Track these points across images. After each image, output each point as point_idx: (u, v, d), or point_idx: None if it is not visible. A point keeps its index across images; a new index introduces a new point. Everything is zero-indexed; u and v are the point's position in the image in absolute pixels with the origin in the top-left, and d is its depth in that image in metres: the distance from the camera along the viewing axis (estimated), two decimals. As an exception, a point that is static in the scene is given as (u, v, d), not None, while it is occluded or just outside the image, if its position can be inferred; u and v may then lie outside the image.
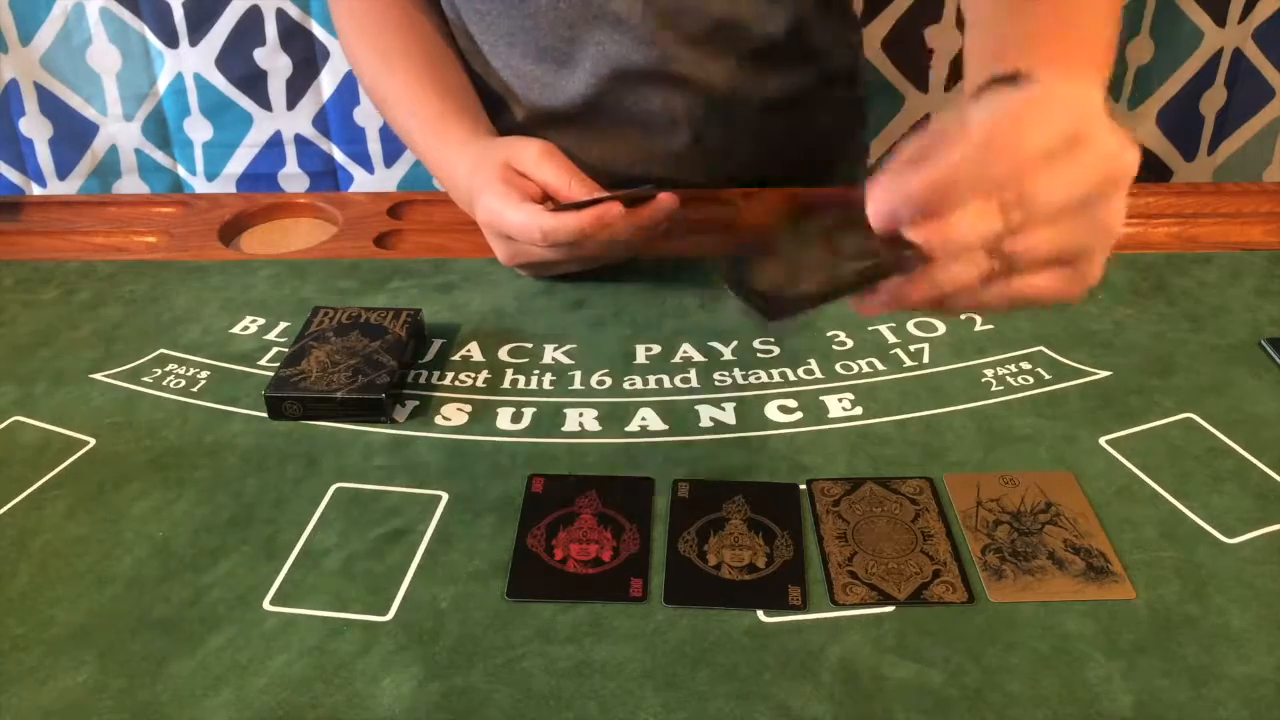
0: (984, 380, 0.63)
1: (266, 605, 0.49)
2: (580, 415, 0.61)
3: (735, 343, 0.68)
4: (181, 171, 1.38)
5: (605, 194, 0.67)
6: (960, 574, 0.50)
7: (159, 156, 1.37)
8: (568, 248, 0.67)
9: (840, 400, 0.62)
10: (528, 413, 0.62)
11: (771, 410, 0.61)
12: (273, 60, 1.30)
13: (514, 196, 0.68)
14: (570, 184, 0.68)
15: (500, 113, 0.90)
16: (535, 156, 0.69)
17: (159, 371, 0.66)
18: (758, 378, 0.64)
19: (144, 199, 0.94)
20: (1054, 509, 0.53)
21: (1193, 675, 0.45)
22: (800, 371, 0.65)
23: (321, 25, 1.29)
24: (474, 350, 0.68)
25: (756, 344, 0.67)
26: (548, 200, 0.69)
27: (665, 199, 0.68)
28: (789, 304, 0.47)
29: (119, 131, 1.34)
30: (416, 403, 0.63)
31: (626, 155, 0.89)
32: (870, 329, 0.69)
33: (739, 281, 0.47)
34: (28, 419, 0.62)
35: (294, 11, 1.28)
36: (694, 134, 0.87)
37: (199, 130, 1.34)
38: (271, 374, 0.63)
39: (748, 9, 0.83)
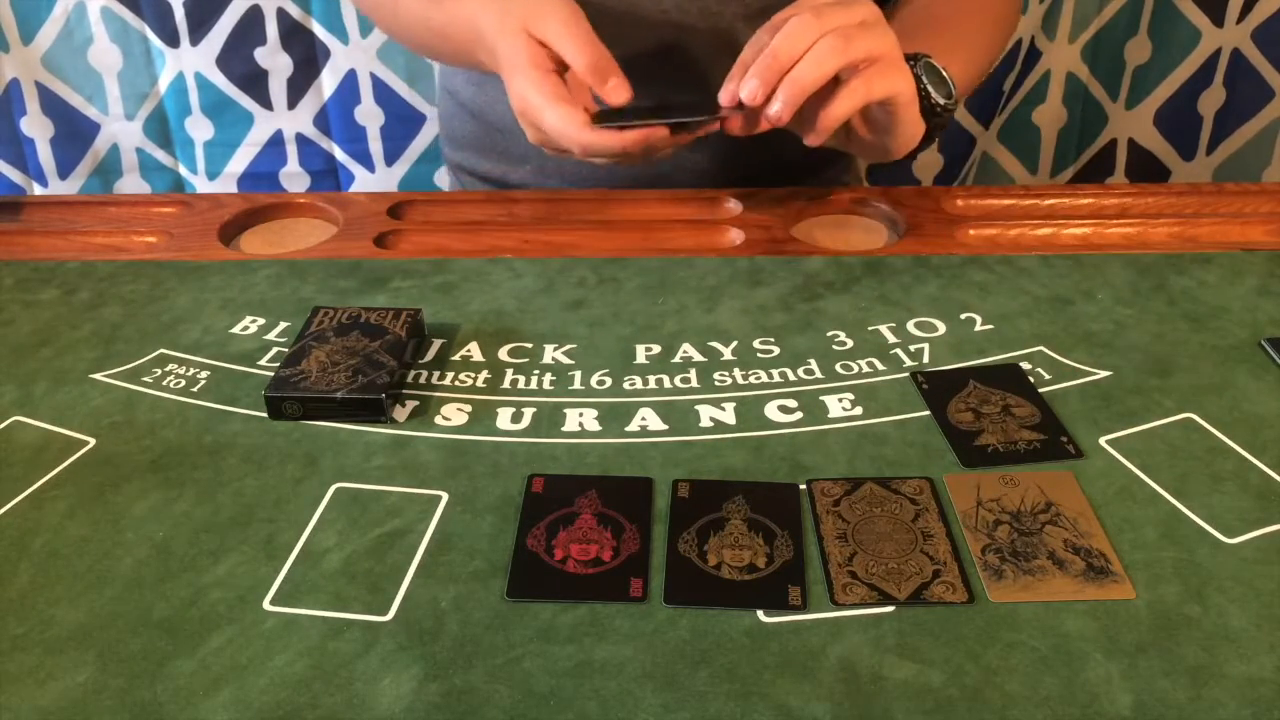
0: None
1: (266, 605, 0.49)
2: (580, 415, 0.61)
3: (735, 343, 0.68)
4: (183, 171, 1.38)
5: (624, 90, 0.66)
6: (960, 574, 0.50)
7: (160, 156, 1.37)
8: (604, 161, 0.66)
9: (840, 400, 0.62)
10: (528, 413, 0.62)
11: (771, 410, 0.61)
12: (274, 59, 1.30)
13: (548, 89, 0.66)
14: (590, 65, 0.65)
15: (503, 104, 0.89)
16: (559, 23, 0.67)
17: (159, 371, 0.66)
18: (758, 378, 0.64)
19: (144, 199, 0.94)
20: (1054, 509, 0.53)
21: (1193, 675, 0.45)
22: (800, 371, 0.65)
23: (322, 25, 1.29)
24: (474, 350, 0.68)
25: (756, 344, 0.67)
26: (568, 70, 0.67)
27: (733, 125, 0.68)
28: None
29: (120, 131, 1.34)
30: (416, 403, 0.63)
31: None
32: (870, 329, 0.69)
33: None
34: (28, 419, 0.62)
35: (295, 11, 1.28)
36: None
37: (200, 129, 1.34)
38: (271, 374, 0.63)
39: None
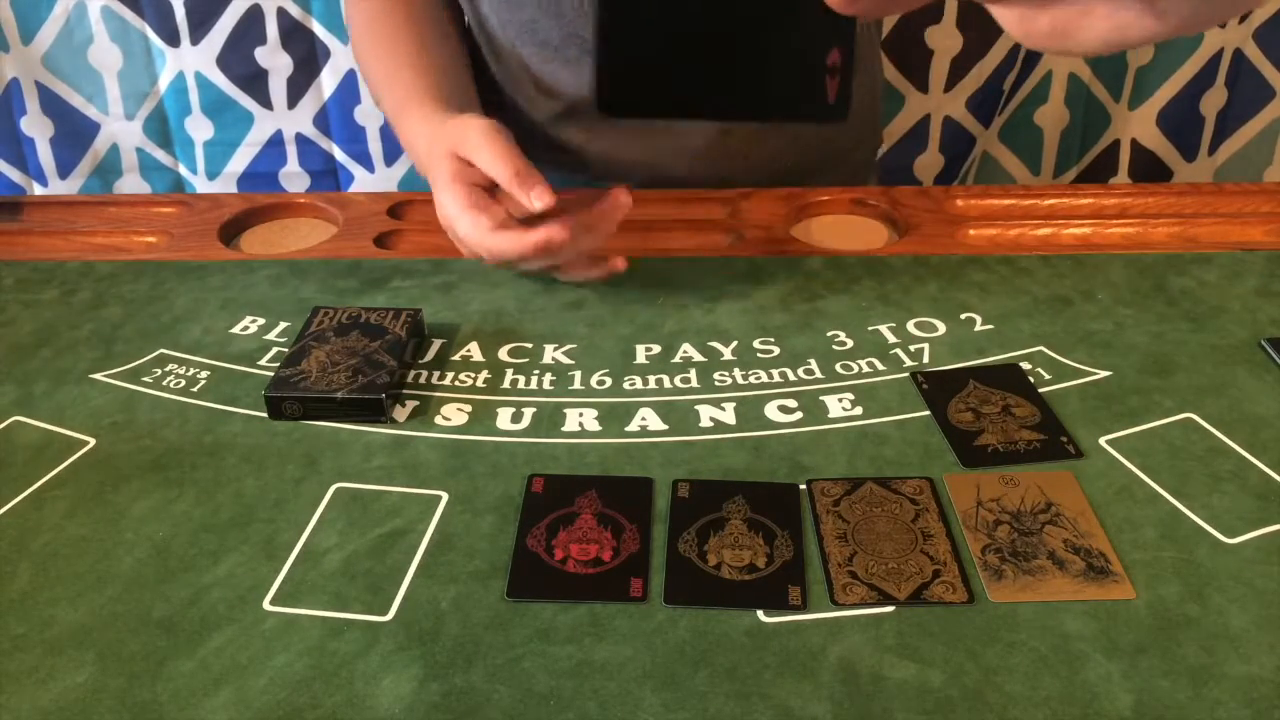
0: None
1: (266, 605, 0.49)
2: (580, 415, 0.61)
3: (735, 343, 0.68)
4: (182, 170, 1.38)
5: (547, 196, 0.65)
6: (960, 574, 0.50)
7: (160, 155, 1.37)
8: (514, 264, 0.68)
9: (840, 400, 0.62)
10: (528, 413, 0.62)
11: (771, 410, 0.61)
12: (274, 59, 1.30)
13: (463, 199, 0.68)
14: (512, 176, 0.66)
15: (517, 103, 0.89)
16: (477, 141, 0.69)
17: (159, 371, 0.66)
18: (758, 378, 0.64)
19: (144, 199, 0.94)
20: (1054, 509, 0.53)
21: (1193, 675, 0.45)
22: (800, 371, 0.65)
23: (322, 24, 1.29)
24: (474, 350, 0.68)
25: (756, 344, 0.67)
26: (496, 188, 0.69)
27: (620, 196, 0.68)
28: None
29: (120, 130, 1.34)
30: (416, 403, 0.63)
31: (643, 151, 0.89)
32: (870, 329, 0.69)
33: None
34: (28, 419, 0.62)
35: (295, 11, 1.28)
36: (722, 127, 0.87)
37: (200, 129, 1.34)
38: (271, 374, 0.63)
39: None
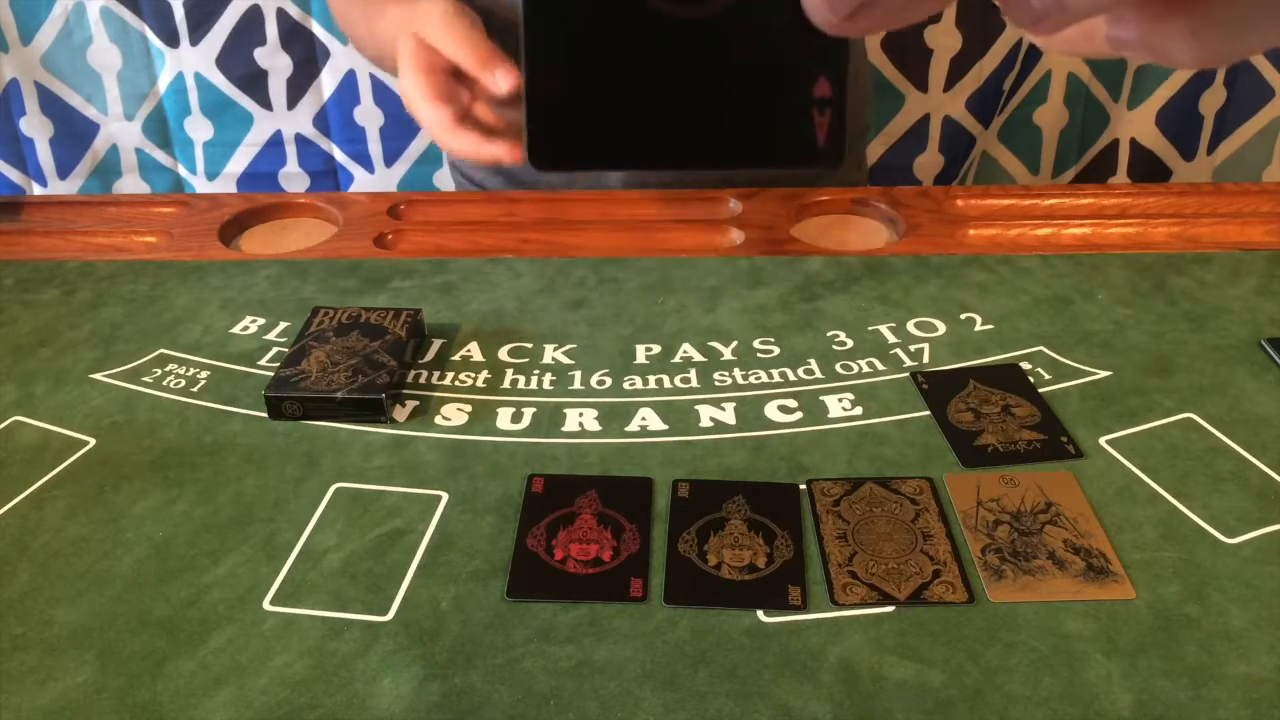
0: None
1: (266, 605, 0.49)
2: (580, 415, 0.61)
3: (735, 343, 0.68)
4: (182, 171, 1.38)
5: (511, 78, 0.64)
6: (960, 574, 0.50)
7: (159, 156, 1.37)
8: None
9: (840, 400, 0.62)
10: (528, 413, 0.62)
11: (771, 410, 0.61)
12: (273, 60, 1.30)
13: (425, 87, 0.67)
14: (476, 61, 0.66)
15: None
16: (440, 25, 0.68)
17: (159, 371, 0.66)
18: (758, 378, 0.64)
19: (144, 199, 0.94)
20: (1054, 509, 0.53)
21: (1193, 675, 0.45)
22: (800, 371, 0.65)
23: (322, 25, 1.29)
24: (474, 350, 0.68)
25: (756, 344, 0.67)
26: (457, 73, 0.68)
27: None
28: None
29: (119, 131, 1.34)
30: (416, 403, 0.63)
31: None
32: (870, 329, 0.69)
33: None
34: (28, 419, 0.62)
35: (294, 11, 1.28)
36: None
37: (199, 129, 1.34)
38: (271, 374, 0.63)
39: None
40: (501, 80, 0.65)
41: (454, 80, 0.69)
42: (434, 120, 0.67)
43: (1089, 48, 0.45)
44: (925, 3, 0.26)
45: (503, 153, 0.66)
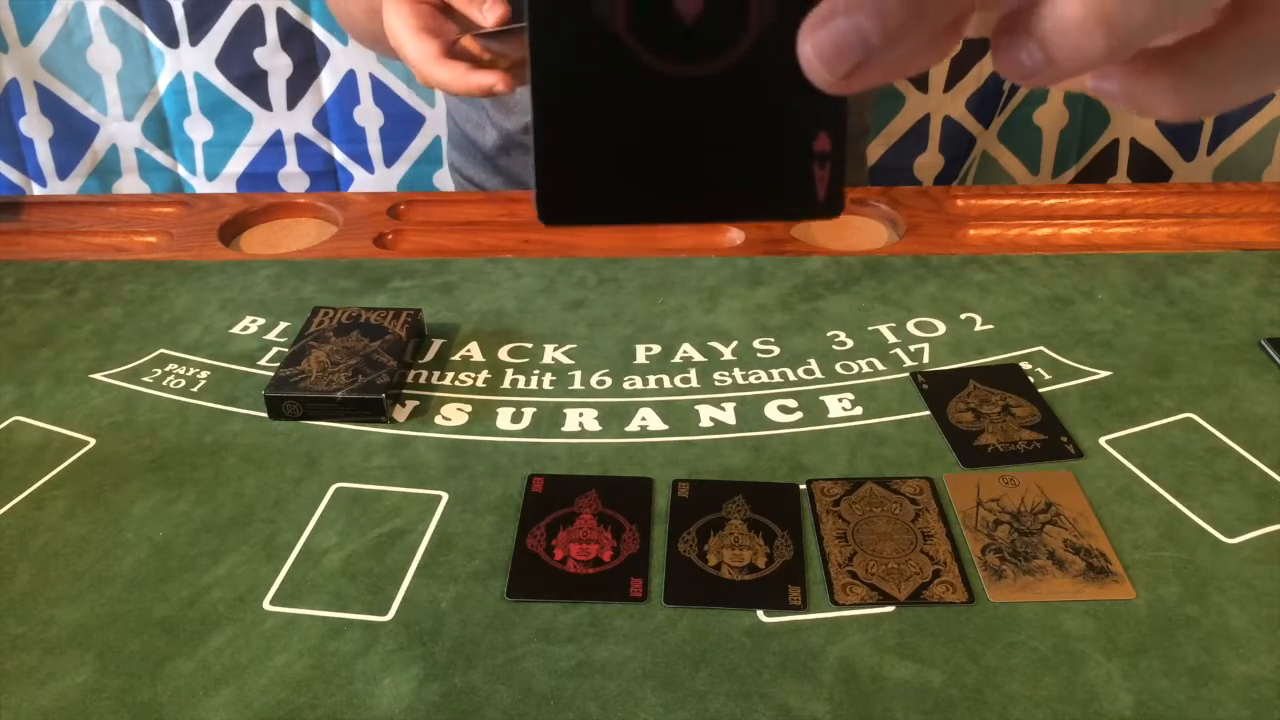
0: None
1: (266, 605, 0.49)
2: (580, 415, 0.61)
3: (735, 343, 0.68)
4: (182, 171, 1.38)
5: (499, 8, 0.64)
6: (960, 574, 0.50)
7: (159, 156, 1.37)
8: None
9: (840, 400, 0.62)
10: (528, 413, 0.62)
11: (771, 410, 0.61)
12: (273, 60, 1.30)
13: (411, 20, 0.67)
14: None
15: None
16: None
17: (159, 371, 0.66)
18: (758, 378, 0.64)
19: (144, 199, 0.94)
20: (1054, 509, 0.53)
21: (1193, 675, 0.45)
22: (800, 371, 0.65)
23: (322, 25, 1.29)
24: (474, 350, 0.68)
25: (756, 344, 0.67)
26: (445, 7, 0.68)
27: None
28: None
29: (119, 131, 1.34)
30: (416, 403, 0.63)
31: None
32: (870, 329, 0.69)
33: None
34: (28, 419, 0.62)
35: (294, 11, 1.28)
36: None
37: (199, 130, 1.34)
38: (271, 374, 0.63)
39: None
40: (489, 12, 0.65)
41: (440, 14, 0.68)
42: (419, 53, 0.66)
43: (1074, 87, 0.46)
44: (918, 59, 0.26)
45: (493, 79, 0.64)
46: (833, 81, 0.27)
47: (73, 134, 1.34)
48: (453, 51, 0.67)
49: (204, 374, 0.66)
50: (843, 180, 0.31)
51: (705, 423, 0.61)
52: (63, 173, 1.36)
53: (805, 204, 0.31)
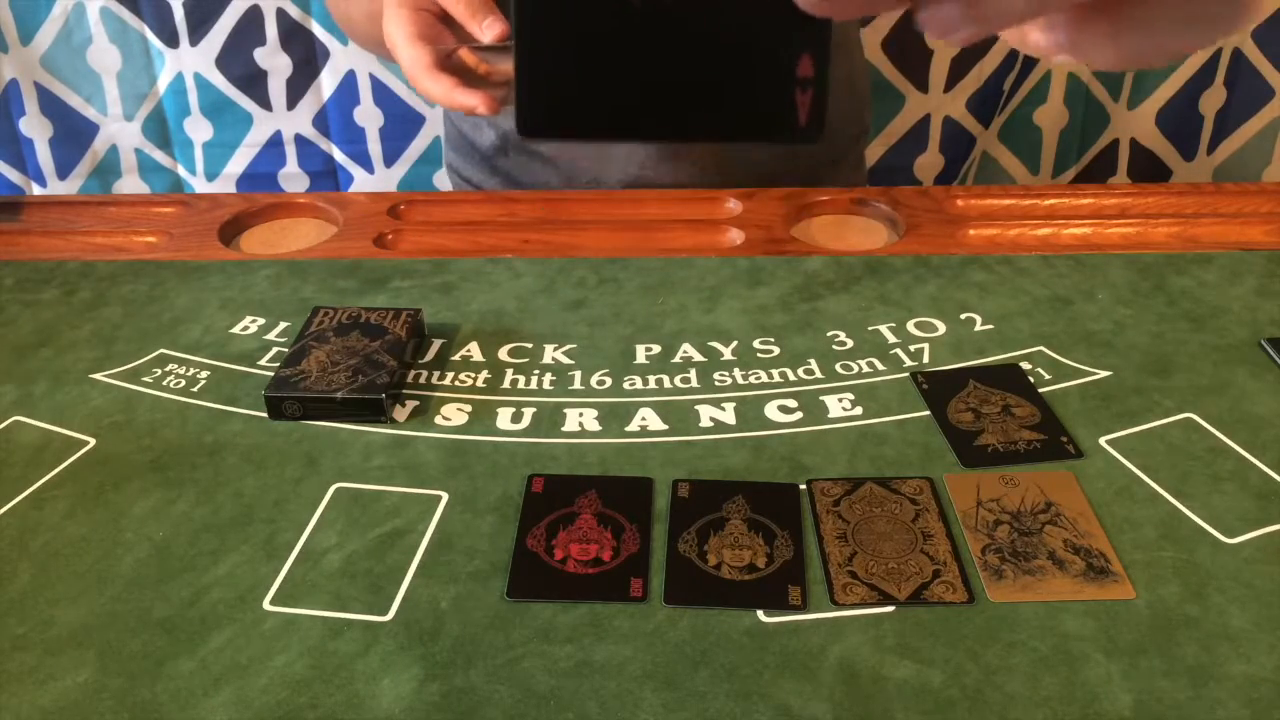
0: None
1: (266, 605, 0.49)
2: (580, 415, 0.61)
3: (735, 343, 0.68)
4: (181, 171, 1.38)
5: (498, 26, 0.64)
6: (960, 574, 0.50)
7: (159, 156, 1.37)
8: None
9: (840, 400, 0.62)
10: (528, 413, 0.62)
11: (771, 410, 0.61)
12: (273, 60, 1.30)
13: (408, 27, 0.67)
14: (463, 6, 0.65)
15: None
16: None
17: (159, 371, 0.66)
18: (758, 378, 0.64)
19: (144, 199, 0.94)
20: (1054, 509, 0.53)
21: (1193, 675, 0.45)
22: (800, 371, 0.65)
23: (322, 25, 1.29)
24: (474, 350, 0.68)
25: (756, 344, 0.67)
26: (445, 17, 0.68)
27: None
28: None
29: (119, 131, 1.34)
30: (416, 403, 0.63)
31: (616, 151, 0.90)
32: (870, 329, 0.69)
33: None
34: (28, 419, 0.62)
35: (294, 11, 1.28)
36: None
37: (199, 130, 1.34)
38: (271, 374, 0.63)
39: None
40: (488, 29, 0.64)
41: (440, 23, 0.68)
42: (412, 60, 0.66)
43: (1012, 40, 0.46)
44: None
45: (476, 101, 0.64)
46: (818, 3, 0.27)
47: (72, 134, 1.34)
48: (449, 62, 0.67)
49: (204, 374, 0.66)
50: (824, 107, 0.31)
51: (705, 423, 0.61)
52: (62, 173, 1.36)
53: (786, 128, 0.31)
